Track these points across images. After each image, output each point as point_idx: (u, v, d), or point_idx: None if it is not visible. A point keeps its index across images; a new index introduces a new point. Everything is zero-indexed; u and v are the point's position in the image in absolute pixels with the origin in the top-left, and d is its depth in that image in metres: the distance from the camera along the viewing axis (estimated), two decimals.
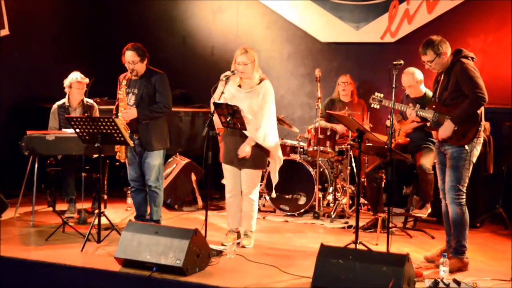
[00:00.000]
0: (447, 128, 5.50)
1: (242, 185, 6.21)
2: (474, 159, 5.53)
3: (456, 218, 5.54)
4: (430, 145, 6.81)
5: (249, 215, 6.25)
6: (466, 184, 5.53)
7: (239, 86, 6.16)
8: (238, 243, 6.18)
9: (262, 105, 6.08)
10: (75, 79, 7.29)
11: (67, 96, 7.38)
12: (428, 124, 5.74)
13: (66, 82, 7.32)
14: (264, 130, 6.09)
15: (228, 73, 6.06)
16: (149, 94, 6.44)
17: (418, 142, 6.94)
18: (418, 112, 5.77)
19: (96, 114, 7.48)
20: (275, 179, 6.39)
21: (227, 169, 6.27)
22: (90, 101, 7.51)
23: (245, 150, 6.05)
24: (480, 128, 5.47)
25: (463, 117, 5.43)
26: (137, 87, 6.45)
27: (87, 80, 7.39)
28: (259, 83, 6.13)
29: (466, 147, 5.45)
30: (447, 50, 5.53)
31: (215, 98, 5.95)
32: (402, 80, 6.86)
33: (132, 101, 6.43)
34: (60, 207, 7.42)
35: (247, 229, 6.27)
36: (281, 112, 8.34)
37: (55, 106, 7.42)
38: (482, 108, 5.50)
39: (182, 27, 9.73)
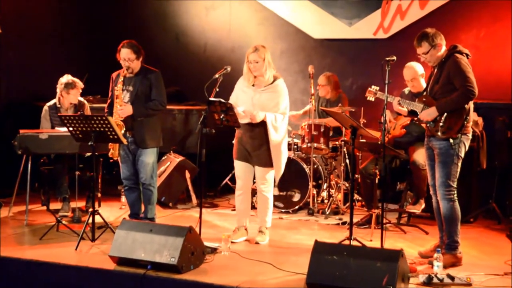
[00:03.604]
0: (430, 113, 5.53)
1: (256, 183, 6.24)
2: (463, 154, 5.55)
3: (447, 214, 5.56)
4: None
5: (263, 211, 6.28)
6: (456, 180, 5.55)
7: (253, 85, 6.17)
8: (247, 240, 6.27)
9: (277, 104, 6.10)
10: (74, 85, 7.23)
11: (57, 97, 7.33)
12: (416, 118, 5.76)
13: (63, 87, 7.23)
14: (281, 131, 6.13)
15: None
16: (144, 91, 6.43)
17: (413, 137, 6.96)
18: (407, 106, 5.79)
19: (87, 111, 7.45)
20: (279, 175, 6.36)
21: (239, 166, 6.27)
22: (81, 99, 7.47)
23: (258, 115, 6.01)
24: (466, 123, 5.48)
25: (450, 108, 5.45)
26: (132, 84, 6.44)
27: (81, 84, 7.36)
28: (272, 82, 6.14)
29: (451, 140, 5.46)
30: (441, 42, 5.55)
31: (211, 96, 5.98)
32: (404, 74, 6.87)
33: (127, 98, 6.42)
34: (54, 206, 7.40)
35: (262, 225, 6.30)
36: None
37: (45, 108, 7.37)
38: (471, 104, 5.52)
39: (175, 24, 9.72)
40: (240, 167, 6.28)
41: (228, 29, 9.41)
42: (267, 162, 6.14)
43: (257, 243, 6.22)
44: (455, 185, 5.55)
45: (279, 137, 6.12)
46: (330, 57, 8.88)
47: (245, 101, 6.10)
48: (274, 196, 7.48)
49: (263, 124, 6.06)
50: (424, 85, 6.79)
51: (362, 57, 8.63)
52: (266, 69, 6.09)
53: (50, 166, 7.33)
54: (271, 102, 6.10)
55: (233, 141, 6.36)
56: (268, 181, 6.22)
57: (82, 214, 7.06)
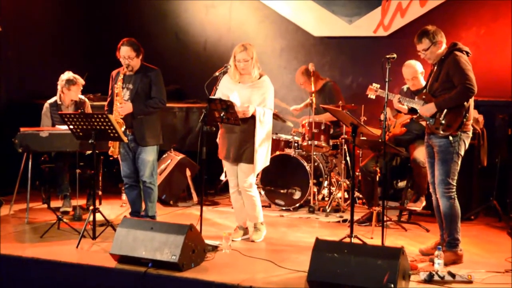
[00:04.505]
0: (428, 108, 5.54)
1: (239, 181, 6.21)
2: (462, 152, 5.54)
3: (447, 211, 5.56)
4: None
5: (251, 209, 6.25)
6: (455, 177, 5.54)
7: (239, 82, 6.14)
8: (247, 238, 6.26)
9: (264, 100, 6.08)
10: (75, 81, 7.23)
11: (58, 94, 7.34)
12: (416, 115, 5.76)
13: (64, 83, 7.24)
14: (266, 125, 6.10)
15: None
16: (144, 89, 6.43)
17: (413, 135, 6.97)
18: (407, 103, 5.79)
19: (88, 109, 7.46)
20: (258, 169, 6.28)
21: (227, 165, 6.27)
22: (82, 96, 7.47)
23: (249, 109, 5.98)
24: (465, 121, 5.47)
25: (449, 105, 5.44)
26: (132, 82, 6.44)
27: (82, 81, 7.36)
28: (258, 79, 6.13)
29: (450, 138, 5.46)
30: (442, 39, 5.55)
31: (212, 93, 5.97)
32: (403, 72, 6.87)
33: (127, 96, 6.42)
34: (55, 203, 7.41)
35: (255, 222, 6.29)
36: (275, 107, 8.34)
37: (46, 105, 7.37)
38: (471, 102, 5.51)
39: (175, 22, 9.72)
40: (229, 166, 6.26)
41: (228, 27, 9.41)
42: (245, 159, 6.08)
43: (253, 241, 6.21)
44: (454, 183, 5.54)
45: (264, 132, 6.09)
46: (330, 55, 8.88)
47: (232, 99, 6.05)
48: (271, 193, 7.52)
49: (252, 117, 6.03)
50: (423, 83, 6.80)
51: (362, 55, 8.63)
52: (254, 66, 6.08)
53: (51, 164, 7.34)
54: (258, 98, 6.07)
55: (217, 140, 6.32)
56: (249, 179, 6.15)
57: (83, 212, 7.07)
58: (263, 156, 6.16)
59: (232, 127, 6.06)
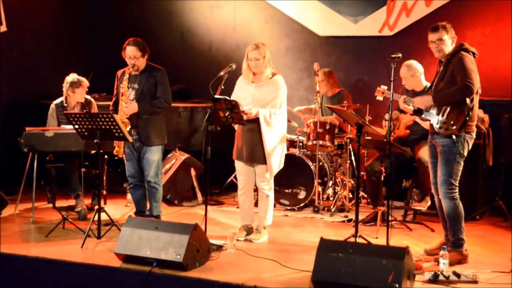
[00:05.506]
0: (425, 100, 5.53)
1: (256, 180, 6.23)
2: (465, 153, 5.52)
3: (450, 212, 5.54)
4: None
5: (263, 209, 6.26)
6: (458, 178, 5.52)
7: (252, 82, 6.15)
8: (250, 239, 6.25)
9: (275, 98, 6.08)
10: (79, 83, 7.23)
11: (64, 96, 7.35)
12: (421, 116, 5.75)
13: (69, 86, 7.24)
14: (276, 126, 6.09)
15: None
16: (149, 89, 6.44)
17: (418, 135, 6.95)
18: (412, 104, 5.77)
19: (95, 109, 7.47)
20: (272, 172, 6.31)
21: (239, 165, 6.27)
22: (88, 96, 7.48)
23: (251, 112, 5.99)
24: (468, 120, 5.44)
25: (446, 100, 5.43)
26: (137, 82, 6.45)
27: (87, 82, 7.37)
28: (271, 78, 6.13)
29: (454, 137, 5.44)
30: (455, 36, 5.56)
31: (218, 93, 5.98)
32: (400, 72, 6.86)
33: (132, 96, 6.43)
34: (60, 203, 7.43)
35: (260, 224, 6.28)
36: None
37: (52, 106, 7.38)
38: (476, 102, 5.48)
39: (180, 22, 9.73)
40: (240, 166, 6.27)
41: (233, 27, 9.42)
42: (263, 160, 6.10)
43: (250, 241, 6.20)
44: (457, 183, 5.52)
45: (273, 133, 6.09)
46: (335, 55, 8.87)
47: (244, 98, 6.07)
48: (275, 193, 7.50)
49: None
50: (424, 83, 6.80)
51: (368, 55, 8.62)
52: (266, 66, 6.08)
53: (58, 164, 7.34)
54: (269, 96, 6.08)
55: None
56: (267, 178, 6.20)
57: (88, 212, 7.08)
58: (278, 158, 6.17)
59: (246, 128, 6.07)
